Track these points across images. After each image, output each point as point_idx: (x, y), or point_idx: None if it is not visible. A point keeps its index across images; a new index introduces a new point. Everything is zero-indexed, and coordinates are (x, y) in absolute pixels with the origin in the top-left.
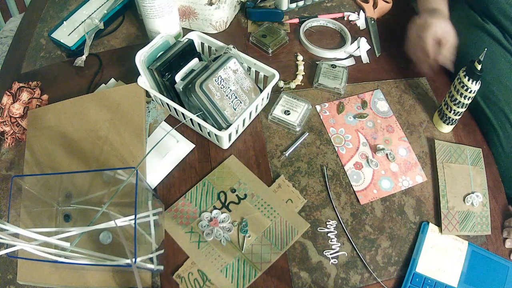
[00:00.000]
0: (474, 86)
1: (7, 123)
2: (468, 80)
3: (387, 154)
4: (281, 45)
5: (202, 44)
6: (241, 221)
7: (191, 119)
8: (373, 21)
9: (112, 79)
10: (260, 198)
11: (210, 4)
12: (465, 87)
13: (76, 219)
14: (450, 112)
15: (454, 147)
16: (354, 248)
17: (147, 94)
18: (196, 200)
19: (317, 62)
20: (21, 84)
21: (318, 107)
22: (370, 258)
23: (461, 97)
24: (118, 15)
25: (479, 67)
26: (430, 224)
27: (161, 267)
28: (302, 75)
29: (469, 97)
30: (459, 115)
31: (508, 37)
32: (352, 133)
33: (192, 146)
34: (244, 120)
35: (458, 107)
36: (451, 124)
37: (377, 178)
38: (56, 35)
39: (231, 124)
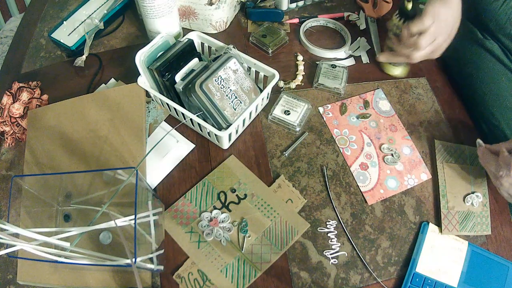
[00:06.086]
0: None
1: (7, 123)
2: (403, 22)
3: (392, 154)
4: (281, 45)
5: (202, 44)
6: (241, 221)
7: (191, 119)
8: (373, 21)
9: (112, 79)
10: (260, 198)
11: (210, 4)
12: (401, 29)
13: (76, 219)
14: None
15: (454, 147)
16: (354, 248)
17: (147, 94)
18: (196, 200)
19: (317, 62)
20: (21, 84)
21: (321, 109)
22: (370, 258)
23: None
24: (118, 15)
25: (409, 5)
26: (430, 224)
27: (161, 267)
28: (302, 75)
29: None
30: None
31: (509, 54)
32: (356, 133)
33: (192, 146)
34: (244, 120)
35: None
36: (400, 66)
37: (383, 178)
38: (56, 35)
39: (231, 124)
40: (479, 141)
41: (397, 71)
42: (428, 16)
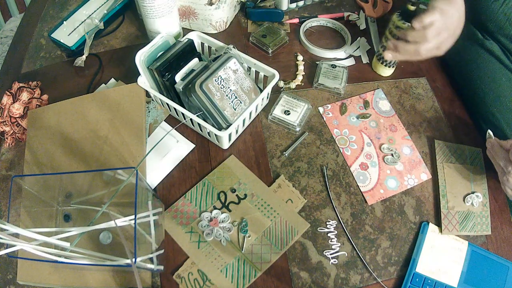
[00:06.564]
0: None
1: (7, 123)
2: (404, 23)
3: (392, 154)
4: (281, 45)
5: (202, 44)
6: (241, 221)
7: (191, 119)
8: (373, 21)
9: (112, 79)
10: (260, 198)
11: (210, 4)
12: (401, 29)
13: (76, 219)
14: None
15: (454, 147)
16: (354, 248)
17: (147, 94)
18: (196, 200)
19: (317, 62)
20: (21, 84)
21: (321, 109)
22: (370, 258)
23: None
24: (118, 15)
25: (412, 7)
26: (430, 224)
27: (161, 267)
28: (302, 75)
29: None
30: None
31: (509, 54)
32: (356, 133)
33: (192, 146)
34: (244, 120)
35: None
36: (391, 67)
37: (383, 178)
38: (56, 35)
39: (231, 124)
40: (489, 132)
41: (389, 71)
42: (437, 10)
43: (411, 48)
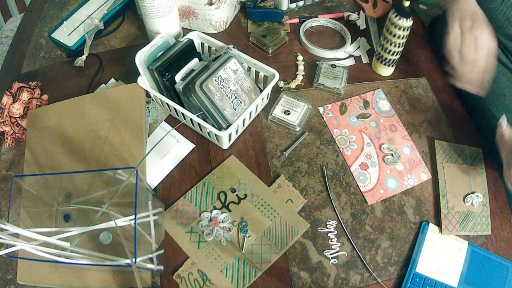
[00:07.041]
0: (406, 23)
1: (7, 123)
2: (399, 19)
3: (392, 154)
4: (281, 45)
5: (202, 44)
6: (241, 221)
7: (191, 119)
8: (373, 21)
9: (112, 79)
10: (260, 198)
11: (210, 4)
12: (398, 26)
13: (76, 219)
14: (386, 53)
15: (454, 147)
16: (354, 248)
17: (147, 94)
18: (196, 200)
19: (317, 62)
20: (21, 84)
21: (321, 109)
22: (370, 258)
23: (394, 37)
24: (118, 15)
25: (407, 3)
26: (430, 224)
27: (161, 267)
28: (302, 75)
29: (403, 36)
30: (396, 55)
31: (509, 54)
32: (356, 133)
33: (192, 146)
34: (244, 120)
35: (394, 46)
36: (391, 66)
37: (383, 178)
38: (56, 35)
39: (231, 124)
40: (501, 121)
41: (389, 71)
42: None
43: (462, 65)
